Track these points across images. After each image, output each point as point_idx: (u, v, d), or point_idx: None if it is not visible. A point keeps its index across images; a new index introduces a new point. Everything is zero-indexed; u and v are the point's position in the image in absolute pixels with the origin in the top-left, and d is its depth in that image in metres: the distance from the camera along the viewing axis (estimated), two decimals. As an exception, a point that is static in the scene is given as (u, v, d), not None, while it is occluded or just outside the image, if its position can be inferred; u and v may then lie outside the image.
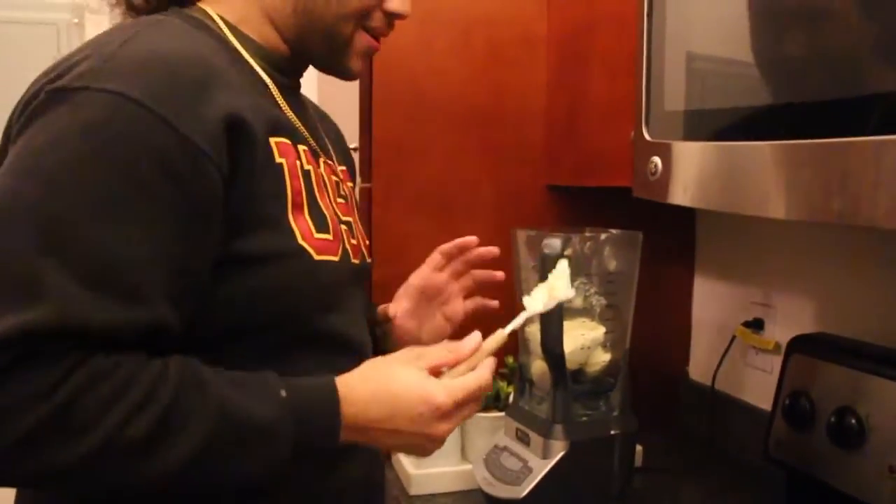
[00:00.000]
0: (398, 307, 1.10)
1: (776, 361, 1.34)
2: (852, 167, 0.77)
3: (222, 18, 0.88)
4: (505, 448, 1.29)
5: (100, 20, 1.82)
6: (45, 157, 0.70)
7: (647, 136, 1.11)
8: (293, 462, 0.76)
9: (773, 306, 1.48)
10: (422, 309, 1.11)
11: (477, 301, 1.13)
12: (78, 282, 0.67)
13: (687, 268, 1.70)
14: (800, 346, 1.27)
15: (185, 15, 0.86)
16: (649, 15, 1.12)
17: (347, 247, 0.90)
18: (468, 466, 1.36)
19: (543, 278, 1.08)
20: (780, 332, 1.45)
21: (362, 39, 0.91)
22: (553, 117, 1.57)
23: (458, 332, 0.99)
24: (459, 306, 1.12)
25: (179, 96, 0.73)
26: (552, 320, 1.13)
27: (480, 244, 1.09)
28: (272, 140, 0.81)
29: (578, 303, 1.22)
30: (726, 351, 1.55)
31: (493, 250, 1.09)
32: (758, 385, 1.50)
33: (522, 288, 1.28)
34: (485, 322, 0.98)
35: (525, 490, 1.19)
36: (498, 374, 1.47)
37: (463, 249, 1.10)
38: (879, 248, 1.26)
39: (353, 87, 1.60)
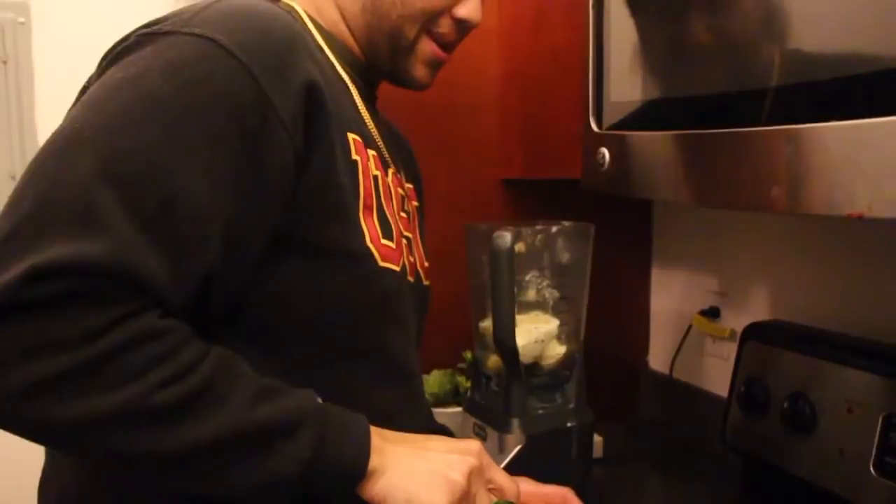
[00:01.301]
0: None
1: (732, 349, 1.35)
2: (786, 155, 0.77)
3: (307, 14, 0.85)
4: (463, 443, 1.28)
5: (49, 18, 1.78)
6: (120, 91, 0.67)
7: (594, 128, 1.11)
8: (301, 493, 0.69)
9: (728, 295, 1.49)
10: None
11: None
12: (135, 222, 0.63)
13: (644, 258, 1.70)
14: (754, 333, 1.28)
15: (275, 3, 0.83)
16: (596, 6, 1.12)
17: (406, 261, 0.86)
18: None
19: (496, 275, 1.08)
20: (735, 319, 1.46)
21: (426, 46, 0.88)
22: (506, 111, 1.56)
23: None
24: None
25: (268, 53, 0.70)
26: (504, 314, 1.13)
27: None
28: (349, 135, 0.79)
29: (531, 296, 1.22)
30: (683, 340, 1.56)
31: None
32: (715, 373, 1.51)
33: (473, 283, 1.27)
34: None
35: (483, 485, 1.19)
36: (456, 368, 1.47)
37: None
38: (830, 237, 1.27)
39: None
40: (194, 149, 0.66)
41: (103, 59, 0.74)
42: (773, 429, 1.17)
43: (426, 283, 0.96)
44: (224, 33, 0.69)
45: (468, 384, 1.39)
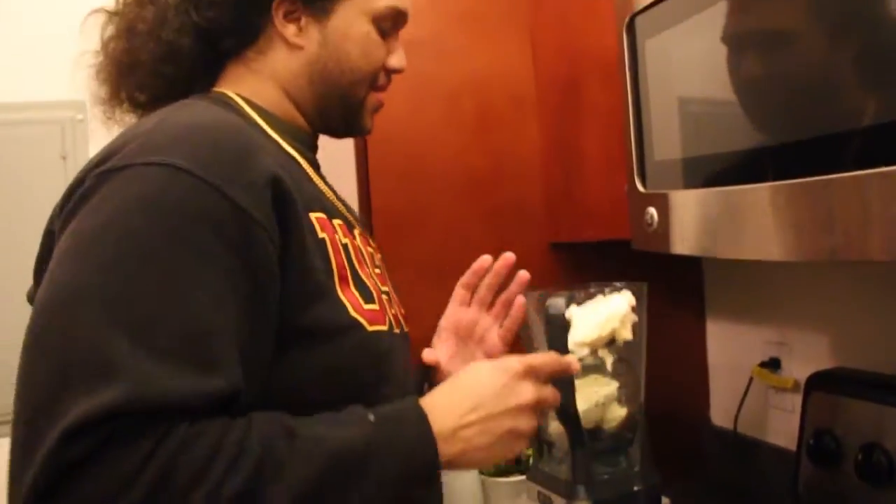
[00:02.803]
0: (439, 353, 1.08)
1: (797, 400, 1.32)
2: (840, 203, 0.76)
3: (243, 98, 0.89)
4: (529, 512, 1.26)
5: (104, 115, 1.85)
6: (102, 237, 0.69)
7: (640, 188, 1.11)
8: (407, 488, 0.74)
9: (787, 344, 1.46)
10: (461, 352, 1.10)
11: (507, 325, 1.12)
12: (151, 357, 0.65)
13: (698, 313, 1.68)
14: (819, 383, 1.25)
15: (208, 97, 0.87)
16: (631, 66, 1.13)
17: (390, 317, 0.89)
18: (494, 534, 1.33)
19: (554, 343, 1.07)
20: (797, 369, 1.43)
21: (373, 99, 0.96)
22: (549, 175, 1.57)
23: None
24: (496, 340, 1.12)
25: (226, 163, 0.72)
26: (563, 379, 1.11)
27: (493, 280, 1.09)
28: (311, 215, 0.81)
29: (589, 359, 1.21)
30: (745, 393, 1.53)
31: (509, 258, 1.10)
32: (781, 425, 1.47)
33: (529, 349, 1.26)
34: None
35: (552, 555, 1.16)
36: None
37: (481, 273, 1.11)
38: (888, 278, 1.25)
39: (348, 159, 1.63)
40: (190, 273, 0.69)
41: (64, 202, 0.75)
42: (848, 482, 1.13)
43: (406, 330, 0.99)
44: (180, 156, 0.71)
45: (530, 452, 1.37)
